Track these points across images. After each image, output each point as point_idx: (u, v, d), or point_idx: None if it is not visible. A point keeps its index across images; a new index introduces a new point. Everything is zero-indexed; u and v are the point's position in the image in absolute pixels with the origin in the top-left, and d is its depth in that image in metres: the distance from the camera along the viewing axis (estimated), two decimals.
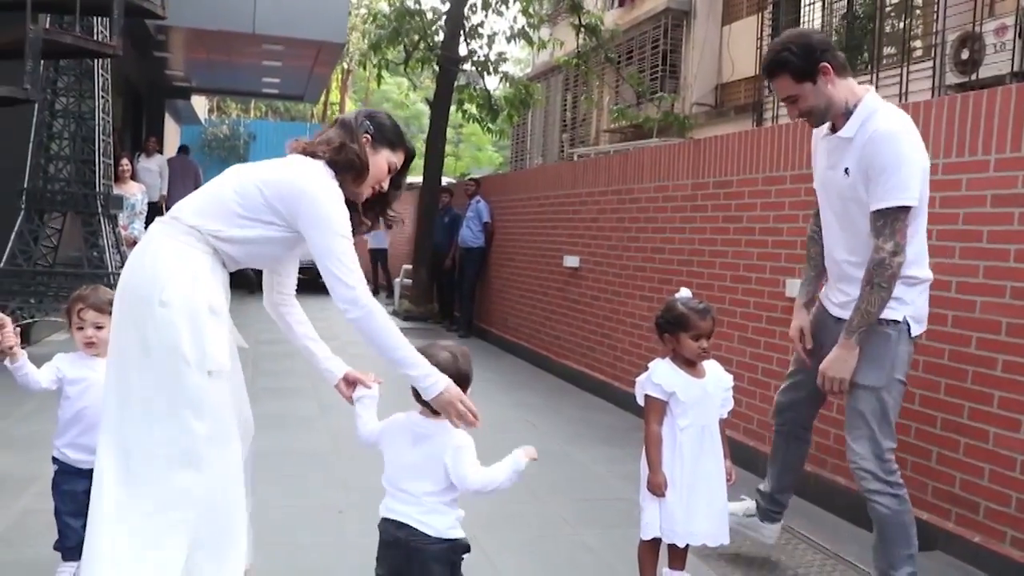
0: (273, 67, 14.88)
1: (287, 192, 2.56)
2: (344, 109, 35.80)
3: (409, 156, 2.87)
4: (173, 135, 23.50)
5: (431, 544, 2.53)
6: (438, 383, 2.57)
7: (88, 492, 2.92)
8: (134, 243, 9.36)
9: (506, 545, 3.89)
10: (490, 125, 13.50)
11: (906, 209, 2.97)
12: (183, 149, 15.95)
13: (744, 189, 5.48)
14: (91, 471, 2.89)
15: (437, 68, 12.73)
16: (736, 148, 5.62)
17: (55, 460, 3.21)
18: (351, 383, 2.86)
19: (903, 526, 3.16)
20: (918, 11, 10.89)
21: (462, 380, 2.70)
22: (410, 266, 13.14)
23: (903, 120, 3.05)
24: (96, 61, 7.32)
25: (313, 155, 2.67)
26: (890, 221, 2.98)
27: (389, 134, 2.80)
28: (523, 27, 13.13)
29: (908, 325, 3.16)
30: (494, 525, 4.11)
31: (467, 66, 13.08)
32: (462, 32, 12.64)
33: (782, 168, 5.13)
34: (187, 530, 2.45)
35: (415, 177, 12.70)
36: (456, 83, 12.90)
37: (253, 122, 32.56)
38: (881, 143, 2.99)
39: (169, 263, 2.53)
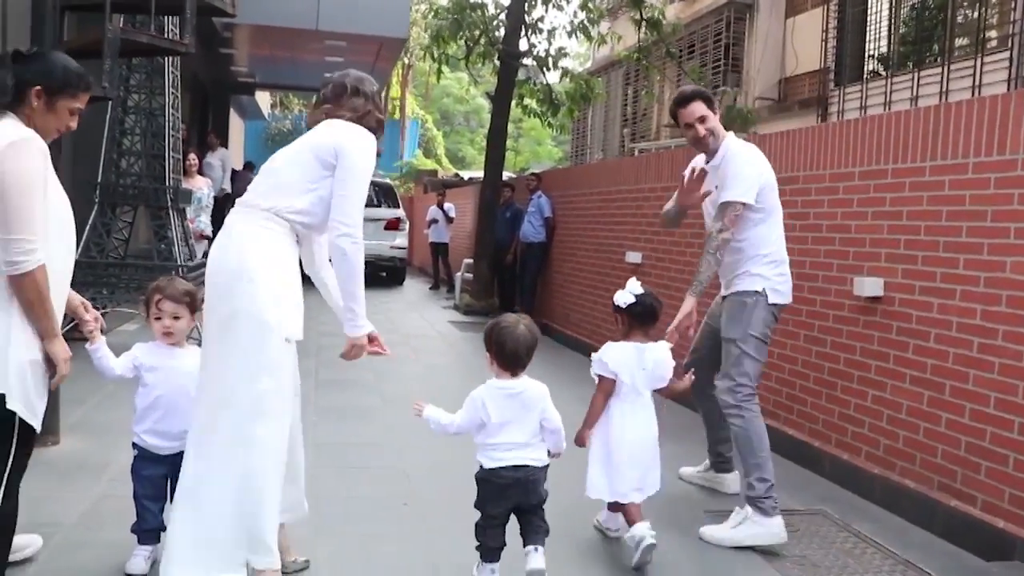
0: (335, 62, 15.05)
1: (339, 147, 3.03)
2: (405, 104, 36.07)
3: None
4: (237, 130, 23.92)
5: (541, 471, 3.23)
6: (367, 326, 3.12)
7: (166, 477, 3.06)
8: (201, 236, 9.62)
9: (567, 541, 3.89)
10: (551, 120, 13.49)
11: (737, 204, 4.08)
12: (248, 166, 16.36)
13: (811, 186, 5.41)
14: (169, 456, 3.16)
15: (498, 63, 12.76)
16: (803, 143, 5.54)
17: (135, 446, 3.33)
18: (371, 340, 3.24)
19: (748, 439, 4.09)
20: None
21: (534, 348, 3.31)
22: (471, 260, 13.20)
23: (746, 146, 4.27)
24: (167, 58, 7.49)
25: (340, 119, 3.18)
26: (724, 210, 4.12)
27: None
28: (582, 22, 13.09)
29: (766, 295, 4.17)
30: (554, 522, 4.11)
31: (527, 61, 13.09)
32: (523, 27, 12.65)
33: (850, 164, 5.05)
34: (266, 473, 2.91)
35: (477, 172, 12.75)
36: (517, 78, 12.92)
37: None
38: (727, 163, 4.18)
39: (252, 244, 2.94)
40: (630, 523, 3.68)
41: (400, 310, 12.75)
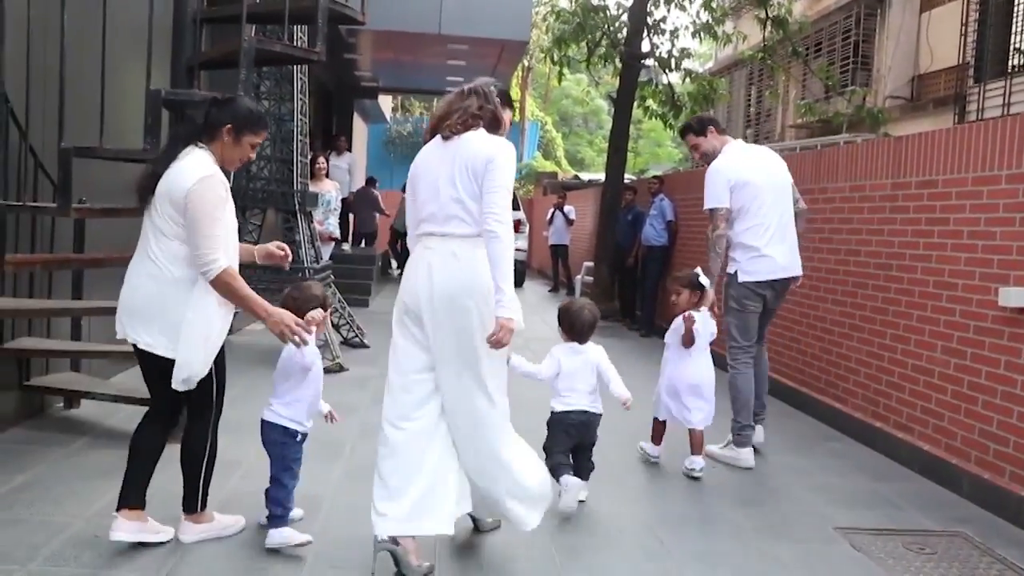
0: (457, 66, 15.23)
1: (490, 161, 3.25)
2: (524, 106, 36.23)
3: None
4: (360, 133, 24.49)
5: (598, 416, 4.30)
6: (513, 310, 3.21)
7: (299, 459, 3.67)
8: (329, 238, 9.87)
9: (692, 552, 3.83)
10: (672, 121, 13.34)
11: (712, 209, 5.28)
12: (370, 182, 16.82)
13: (951, 190, 5.17)
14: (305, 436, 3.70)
15: (619, 65, 12.68)
16: (942, 145, 5.31)
17: (295, 432, 3.66)
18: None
19: (735, 387, 5.28)
20: None
21: (594, 325, 4.35)
22: (592, 263, 13.16)
23: (724, 155, 5.33)
24: (295, 65, 7.70)
25: (475, 128, 3.39)
26: (709, 216, 5.32)
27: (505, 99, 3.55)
28: (707, 21, 12.89)
29: (736, 275, 5.25)
30: (682, 528, 4.06)
31: (649, 62, 12.96)
32: (645, 28, 12.54)
33: (996, 167, 4.80)
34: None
35: (596, 174, 12.68)
36: (639, 79, 12.82)
37: None
38: (707, 175, 5.32)
39: (471, 272, 3.26)
40: (692, 450, 5.01)
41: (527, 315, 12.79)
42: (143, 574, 3.30)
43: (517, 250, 15.90)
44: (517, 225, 15.53)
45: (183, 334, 3.34)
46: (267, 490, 3.66)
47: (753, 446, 5.37)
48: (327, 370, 6.83)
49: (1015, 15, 11.77)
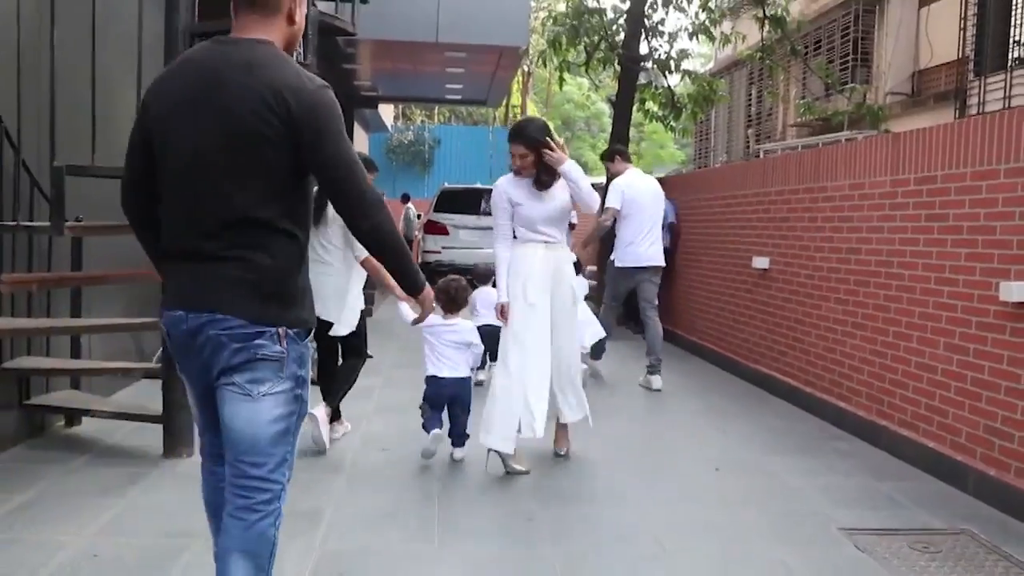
0: (456, 73, 15.25)
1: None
2: (525, 111, 36.30)
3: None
4: (362, 143, 24.51)
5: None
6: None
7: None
8: None
9: (697, 557, 3.81)
10: (672, 123, 13.31)
11: (609, 207, 7.52)
12: (404, 198, 16.84)
13: (950, 185, 5.15)
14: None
15: (618, 68, 12.67)
16: (941, 140, 5.29)
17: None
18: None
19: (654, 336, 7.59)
20: None
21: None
22: (594, 267, 13.14)
23: (624, 176, 7.69)
24: None
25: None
26: (604, 211, 7.50)
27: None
28: (704, 23, 12.87)
29: (613, 262, 7.46)
30: (685, 533, 4.05)
31: (648, 64, 12.94)
32: (643, 30, 12.53)
33: (995, 161, 4.78)
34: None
35: (597, 178, 12.66)
36: (638, 82, 12.80)
37: (437, 127, 33.55)
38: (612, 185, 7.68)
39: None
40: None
41: None
42: None
43: None
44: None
45: (348, 303, 5.40)
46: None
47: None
48: None
49: (1014, 7, 11.73)
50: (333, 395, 5.37)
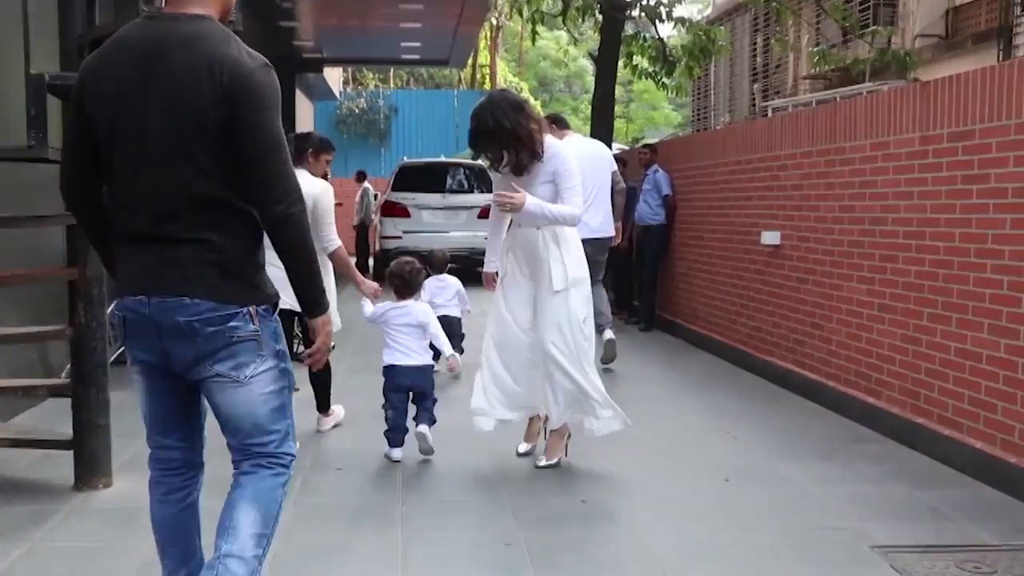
0: (412, 29, 15.15)
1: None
2: (495, 71, 36.20)
3: None
4: (306, 113, 24.35)
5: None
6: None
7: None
8: None
9: None
10: (665, 80, 13.27)
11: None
12: (360, 176, 16.98)
13: (991, 140, 5.11)
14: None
15: (600, 17, 12.61)
16: (979, 88, 5.25)
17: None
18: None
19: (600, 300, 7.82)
20: None
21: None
22: None
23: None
24: None
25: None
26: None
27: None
28: None
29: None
30: (692, 556, 3.99)
31: (635, 12, 12.89)
32: None
33: None
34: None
35: None
36: (624, 33, 12.74)
37: (394, 93, 33.39)
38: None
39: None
40: None
41: None
42: None
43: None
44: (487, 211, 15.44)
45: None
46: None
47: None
48: None
49: None
50: (324, 400, 6.08)
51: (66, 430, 4.92)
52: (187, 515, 3.02)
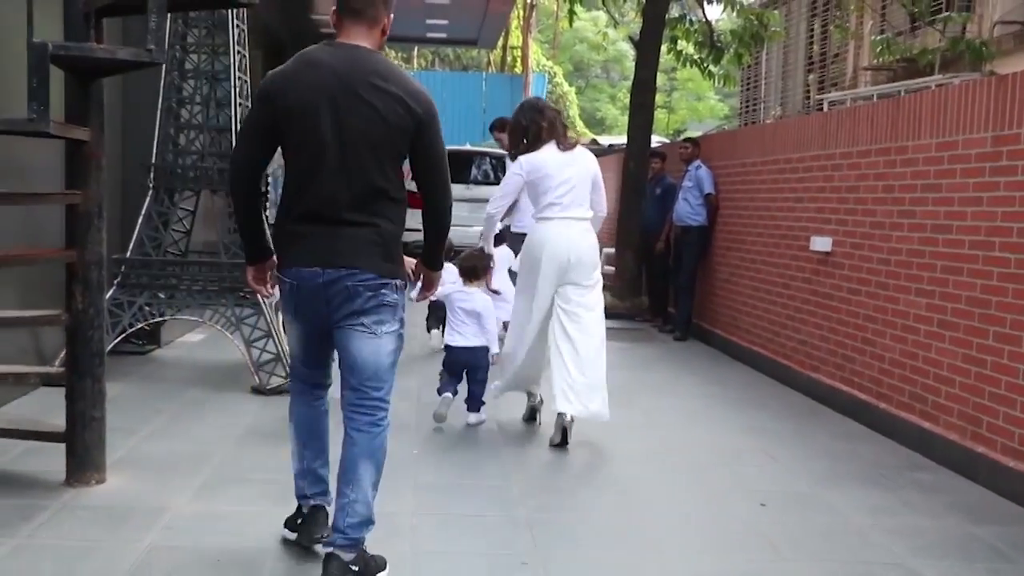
0: (439, 6, 15.20)
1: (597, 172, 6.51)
2: (528, 54, 36.20)
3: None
4: None
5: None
6: None
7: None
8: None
9: None
10: (712, 68, 13.25)
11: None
12: None
13: None
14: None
15: None
16: None
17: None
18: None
19: None
20: None
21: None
22: (612, 250, 13.11)
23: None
24: (231, 10, 7.62)
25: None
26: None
27: None
28: None
29: (510, 227, 8.14)
30: None
31: None
32: None
33: None
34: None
35: (617, 138, 12.58)
36: (668, 15, 12.73)
37: (417, 74, 33.46)
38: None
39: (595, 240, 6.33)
40: None
41: None
42: None
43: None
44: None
45: None
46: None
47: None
48: (279, 390, 6.80)
49: None
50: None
51: (58, 422, 4.98)
52: (324, 419, 4.18)
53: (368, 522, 3.85)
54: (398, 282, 3.85)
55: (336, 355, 4.01)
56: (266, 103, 3.80)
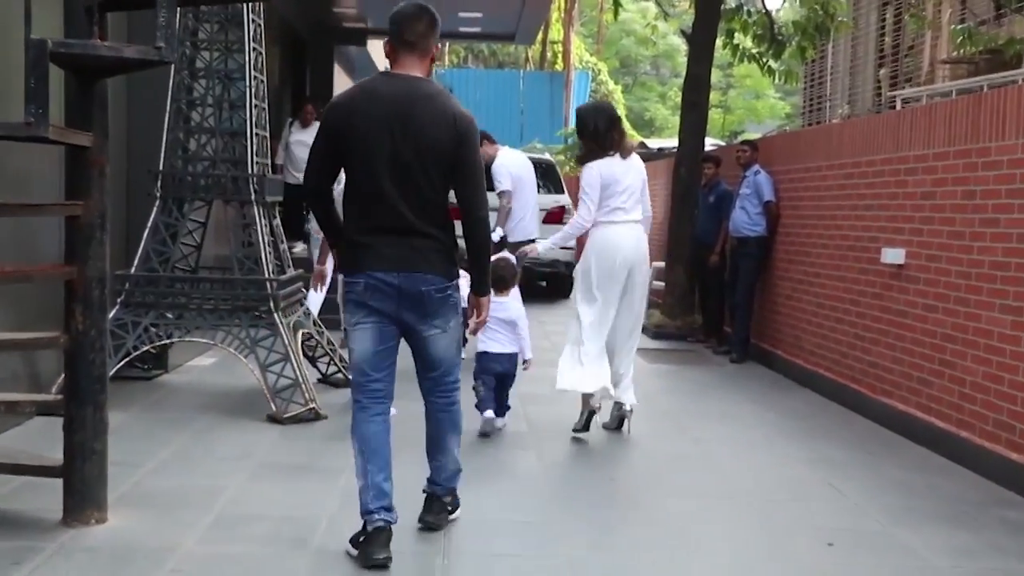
0: None
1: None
2: (570, 49, 36.25)
3: None
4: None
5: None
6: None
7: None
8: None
9: None
10: (772, 63, 13.23)
11: (505, 191, 10.06)
12: None
13: None
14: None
15: None
16: None
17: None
18: None
19: None
20: None
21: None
22: (662, 264, 13.08)
23: (501, 155, 10.25)
24: (246, 5, 7.65)
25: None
26: (503, 195, 10.07)
27: None
28: None
29: (506, 237, 9.71)
30: None
31: None
32: None
33: None
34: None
35: (668, 140, 12.54)
36: (724, 6, 12.72)
37: (448, 72, 33.61)
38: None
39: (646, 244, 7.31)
40: None
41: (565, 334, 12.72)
42: None
43: (562, 248, 15.81)
44: (561, 213, 15.23)
45: None
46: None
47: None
48: (298, 418, 6.82)
49: None
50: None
51: (55, 455, 4.99)
52: (387, 432, 4.73)
53: (457, 472, 5.11)
54: (456, 282, 4.74)
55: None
56: (331, 134, 4.64)
